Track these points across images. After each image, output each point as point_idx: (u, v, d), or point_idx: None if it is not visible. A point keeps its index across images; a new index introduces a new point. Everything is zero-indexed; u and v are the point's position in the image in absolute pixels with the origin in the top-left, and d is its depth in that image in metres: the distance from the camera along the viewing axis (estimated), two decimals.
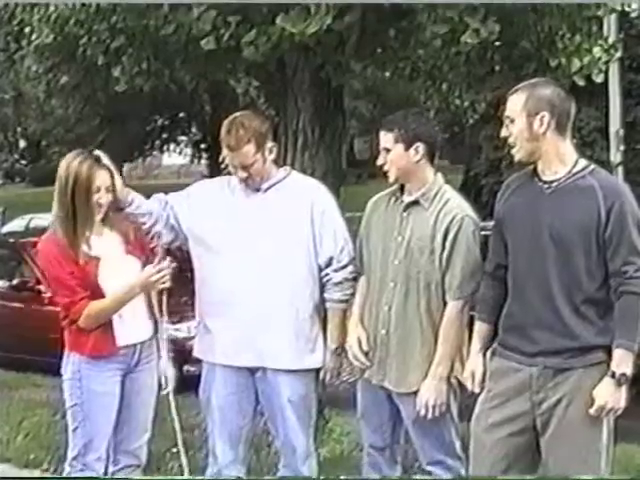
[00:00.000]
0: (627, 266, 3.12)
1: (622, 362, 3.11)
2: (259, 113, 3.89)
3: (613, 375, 3.11)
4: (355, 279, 3.78)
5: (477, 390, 3.41)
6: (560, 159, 3.24)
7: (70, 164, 3.63)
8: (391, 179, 3.69)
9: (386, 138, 3.65)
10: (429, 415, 3.55)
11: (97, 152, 3.72)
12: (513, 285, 3.31)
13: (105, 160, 3.68)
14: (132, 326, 3.72)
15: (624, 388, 3.13)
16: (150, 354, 3.82)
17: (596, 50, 5.57)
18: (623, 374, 3.11)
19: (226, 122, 3.73)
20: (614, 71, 12.64)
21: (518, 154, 3.29)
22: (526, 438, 3.27)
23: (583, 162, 3.26)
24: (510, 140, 3.28)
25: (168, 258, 3.71)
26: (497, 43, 5.33)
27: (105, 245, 3.72)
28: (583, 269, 3.17)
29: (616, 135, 13.91)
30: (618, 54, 6.05)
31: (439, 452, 3.67)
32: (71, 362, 3.73)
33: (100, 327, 3.66)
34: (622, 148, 13.94)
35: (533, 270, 3.24)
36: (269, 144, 3.75)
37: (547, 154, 3.24)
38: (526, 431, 3.26)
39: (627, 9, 5.57)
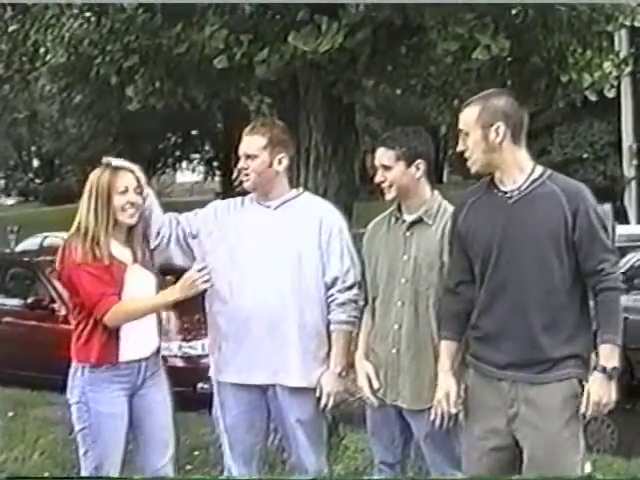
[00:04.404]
0: (602, 264, 3.14)
1: (610, 357, 3.11)
2: (285, 127, 3.95)
3: (604, 370, 3.11)
4: (359, 302, 3.76)
5: (454, 410, 3.39)
6: (518, 167, 3.26)
7: (94, 175, 3.71)
8: (390, 196, 3.70)
9: (387, 155, 3.67)
10: (444, 426, 3.52)
11: (118, 161, 3.77)
12: (483, 298, 3.27)
13: (127, 165, 3.74)
14: (136, 344, 3.71)
15: (614, 382, 3.13)
16: (156, 371, 3.80)
17: (607, 65, 5.56)
18: (614, 368, 3.11)
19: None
20: (626, 86, 12.66)
21: (474, 166, 3.29)
22: (508, 453, 3.27)
23: (540, 168, 3.28)
24: (466, 153, 3.29)
25: (204, 262, 3.68)
26: (508, 59, 5.34)
27: (128, 256, 3.73)
28: (556, 275, 3.17)
29: (629, 150, 13.93)
30: (629, 69, 6.04)
31: (450, 466, 3.65)
32: (76, 385, 3.71)
33: (107, 336, 3.64)
34: (635, 162, 13.94)
35: (503, 282, 3.22)
36: (282, 154, 3.79)
37: (505, 164, 3.26)
38: (507, 447, 3.26)
39: (637, 24, 5.53)
